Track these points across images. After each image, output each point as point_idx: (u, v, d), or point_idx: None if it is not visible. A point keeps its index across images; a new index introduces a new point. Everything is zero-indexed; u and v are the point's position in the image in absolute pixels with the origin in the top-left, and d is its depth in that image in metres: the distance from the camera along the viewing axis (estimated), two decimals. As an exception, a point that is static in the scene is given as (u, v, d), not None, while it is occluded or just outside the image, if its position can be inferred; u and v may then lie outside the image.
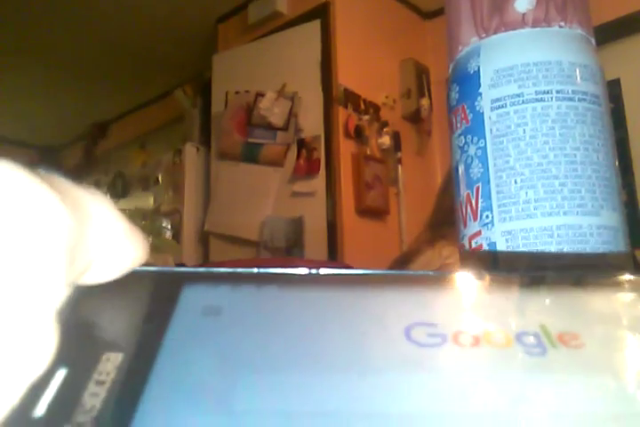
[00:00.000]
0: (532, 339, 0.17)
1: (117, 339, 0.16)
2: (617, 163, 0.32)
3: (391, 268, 1.20)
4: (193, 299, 0.18)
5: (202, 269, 0.19)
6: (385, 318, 0.17)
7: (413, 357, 0.16)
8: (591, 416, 0.15)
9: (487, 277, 0.19)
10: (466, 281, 0.19)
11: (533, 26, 0.33)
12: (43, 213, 0.14)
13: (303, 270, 0.19)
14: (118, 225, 0.17)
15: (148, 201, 3.60)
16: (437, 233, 1.17)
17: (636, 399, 0.15)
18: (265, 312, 0.18)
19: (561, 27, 0.33)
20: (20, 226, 0.14)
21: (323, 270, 0.19)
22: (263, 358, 0.16)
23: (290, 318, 0.17)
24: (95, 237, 0.16)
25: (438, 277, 0.20)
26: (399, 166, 2.82)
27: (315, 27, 2.74)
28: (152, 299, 0.18)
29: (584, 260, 0.29)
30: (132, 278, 0.17)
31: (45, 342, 0.14)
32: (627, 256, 0.30)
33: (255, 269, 0.19)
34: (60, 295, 0.14)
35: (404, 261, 1.19)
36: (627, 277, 0.19)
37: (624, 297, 0.19)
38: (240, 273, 0.19)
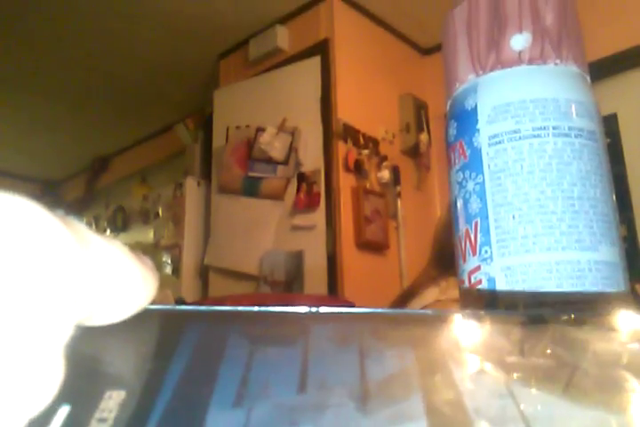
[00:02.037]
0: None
1: (120, 376, 0.16)
2: (614, 198, 0.32)
3: (395, 304, 1.20)
4: (195, 337, 0.18)
5: (204, 308, 0.19)
6: (382, 358, 0.17)
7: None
8: None
9: (485, 318, 0.19)
10: (464, 321, 0.19)
11: (529, 63, 0.34)
12: (57, 252, 0.15)
13: (303, 309, 0.19)
14: (130, 266, 0.17)
15: (148, 235, 3.60)
16: (440, 269, 1.17)
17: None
18: (266, 350, 0.18)
19: (556, 64, 0.34)
20: (34, 262, 0.14)
21: (322, 309, 0.19)
22: (266, 396, 0.16)
23: (291, 357, 0.17)
24: (104, 276, 0.16)
25: (436, 317, 0.20)
26: (398, 200, 2.83)
27: (315, 63, 2.78)
28: (155, 337, 0.18)
29: (583, 297, 0.29)
30: (135, 317, 0.17)
31: (51, 376, 0.14)
32: (626, 293, 0.30)
33: (255, 308, 0.19)
34: (67, 331, 0.14)
35: (407, 297, 1.18)
36: (625, 314, 0.19)
37: (622, 336, 0.19)
38: (241, 312, 0.19)
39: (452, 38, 0.38)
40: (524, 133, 0.32)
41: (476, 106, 0.34)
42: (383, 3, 2.92)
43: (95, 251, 0.16)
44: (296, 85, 2.83)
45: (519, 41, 0.35)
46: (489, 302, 0.31)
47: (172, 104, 3.88)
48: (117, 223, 4.09)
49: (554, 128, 0.32)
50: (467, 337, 0.19)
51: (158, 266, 3.25)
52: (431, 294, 1.11)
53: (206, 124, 3.41)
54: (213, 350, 0.17)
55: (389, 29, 3.11)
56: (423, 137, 2.98)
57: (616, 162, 2.35)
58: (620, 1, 2.57)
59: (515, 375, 0.17)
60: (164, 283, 3.01)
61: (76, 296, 0.15)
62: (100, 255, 0.16)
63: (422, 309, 1.08)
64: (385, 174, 2.78)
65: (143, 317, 0.17)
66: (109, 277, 0.16)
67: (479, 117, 0.33)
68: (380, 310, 0.20)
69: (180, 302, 2.54)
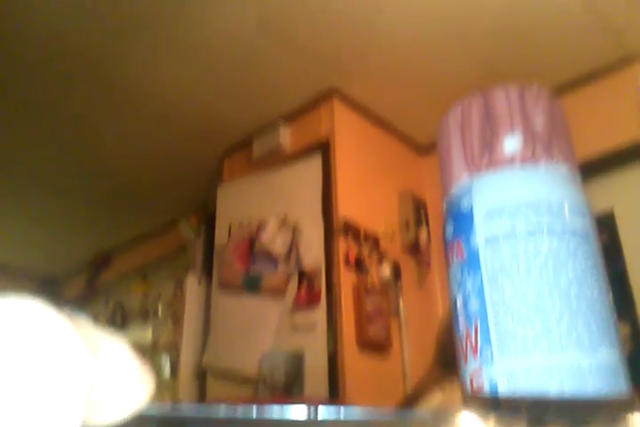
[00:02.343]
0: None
1: None
2: (611, 299, 0.32)
3: (401, 407, 1.17)
4: None
5: (201, 414, 0.19)
6: None
7: None
8: None
9: (486, 419, 0.19)
10: (465, 423, 0.19)
11: (521, 163, 0.35)
12: (69, 361, 0.15)
13: (302, 414, 0.18)
14: (131, 367, 0.18)
15: (146, 333, 3.54)
16: (443, 371, 1.15)
17: None
18: None
19: (547, 164, 0.35)
20: (47, 371, 0.14)
21: (321, 413, 0.18)
22: None
23: None
24: (108, 377, 0.16)
25: (437, 421, 0.19)
26: (400, 298, 2.80)
27: (316, 160, 2.85)
28: None
29: (586, 403, 0.28)
30: (134, 421, 0.17)
31: None
32: (629, 397, 0.29)
33: (254, 411, 0.18)
34: None
35: (411, 401, 1.15)
36: (627, 417, 0.19)
37: None
38: (239, 419, 0.18)
39: (446, 140, 0.39)
40: (519, 234, 0.32)
41: (471, 208, 0.35)
42: (382, 103, 3.03)
43: (103, 355, 0.16)
44: (297, 182, 2.89)
45: (511, 143, 0.36)
46: (492, 407, 0.30)
47: (176, 200, 3.94)
48: (116, 321, 4.04)
49: (548, 228, 0.32)
50: None
51: (156, 369, 3.17)
52: (435, 398, 1.09)
53: (209, 220, 3.45)
54: None
55: (388, 128, 3.21)
56: (422, 234, 3.00)
57: (615, 257, 2.34)
58: (608, 101, 2.67)
59: None
60: (161, 384, 2.93)
61: (83, 403, 0.15)
62: (107, 358, 0.17)
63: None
64: (386, 271, 2.77)
65: (141, 422, 0.17)
66: (110, 376, 0.17)
67: (475, 218, 0.34)
68: (380, 416, 0.19)
69: (178, 404, 2.46)
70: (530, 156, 0.35)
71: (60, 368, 0.15)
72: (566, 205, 0.33)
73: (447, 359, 1.15)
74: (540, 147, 0.36)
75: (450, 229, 0.36)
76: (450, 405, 1.04)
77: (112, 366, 0.17)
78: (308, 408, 0.18)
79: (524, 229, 0.32)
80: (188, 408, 0.19)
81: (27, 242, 4.63)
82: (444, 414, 0.19)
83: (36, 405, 0.14)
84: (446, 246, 0.37)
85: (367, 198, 2.92)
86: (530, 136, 0.36)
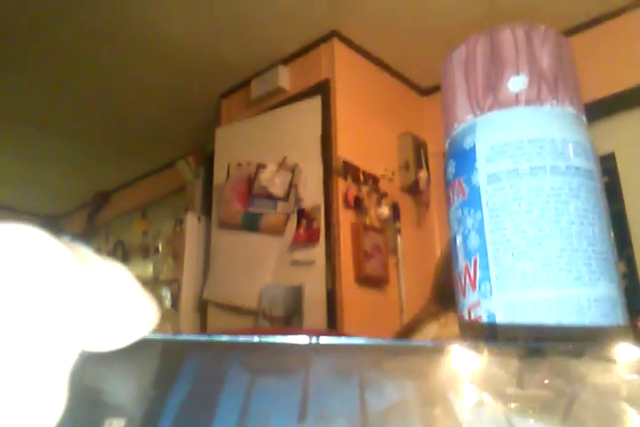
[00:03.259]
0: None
1: (120, 405, 0.16)
2: (612, 236, 0.33)
3: (397, 338, 1.19)
4: (195, 367, 0.18)
5: (204, 338, 0.19)
6: (382, 389, 0.17)
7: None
8: None
9: (484, 349, 0.19)
10: (463, 352, 0.19)
11: (526, 104, 0.35)
12: (63, 276, 0.15)
13: (303, 339, 0.19)
14: (134, 293, 0.18)
15: (147, 270, 3.58)
16: (440, 305, 1.17)
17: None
18: (266, 381, 0.18)
19: (553, 105, 0.35)
20: (41, 287, 0.14)
21: (323, 339, 0.19)
22: (267, 426, 0.16)
23: (291, 387, 0.17)
24: (110, 302, 0.17)
25: (436, 349, 0.20)
26: (398, 236, 2.83)
27: (315, 102, 2.81)
28: (156, 366, 0.18)
29: (583, 332, 0.29)
30: (137, 345, 0.17)
31: (54, 402, 0.14)
32: (626, 328, 0.30)
33: (256, 339, 0.19)
34: (72, 357, 0.15)
35: (407, 332, 1.17)
36: (623, 347, 0.19)
37: (620, 368, 0.19)
38: (241, 343, 0.19)
39: (450, 80, 0.39)
40: (522, 172, 0.32)
41: (474, 145, 0.35)
42: (383, 44, 2.97)
43: (100, 275, 0.16)
44: (297, 124, 2.86)
45: (516, 83, 0.35)
46: (489, 336, 0.31)
47: (175, 141, 3.91)
48: (117, 258, 4.07)
49: (551, 167, 0.32)
50: (466, 368, 0.19)
51: (158, 300, 3.22)
52: (431, 330, 1.11)
53: (208, 162, 3.43)
54: (213, 379, 0.17)
55: (389, 70, 3.16)
56: (422, 174, 3.00)
57: (615, 200, 2.36)
58: (614, 43, 2.62)
59: (513, 406, 0.17)
60: (163, 317, 2.98)
61: (81, 320, 0.15)
62: (105, 280, 0.17)
63: None
64: (384, 211, 2.78)
65: (144, 346, 0.17)
66: (114, 302, 0.17)
67: (478, 157, 0.34)
68: (379, 342, 0.20)
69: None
70: (535, 96, 0.35)
71: (57, 289, 0.15)
72: (570, 144, 0.33)
73: (444, 295, 1.17)
74: (546, 87, 0.36)
75: (451, 168, 0.36)
76: (445, 336, 1.06)
77: (114, 291, 0.17)
78: (310, 337, 0.19)
79: (526, 168, 0.33)
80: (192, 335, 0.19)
81: (27, 182, 4.62)
82: (442, 343, 0.20)
83: (34, 326, 0.14)
84: (447, 186, 0.37)
85: (367, 139, 2.90)
86: (536, 76, 0.36)
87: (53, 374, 0.14)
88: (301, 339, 0.19)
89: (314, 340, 0.19)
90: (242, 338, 0.19)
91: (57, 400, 0.14)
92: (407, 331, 1.17)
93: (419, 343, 0.20)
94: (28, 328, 0.14)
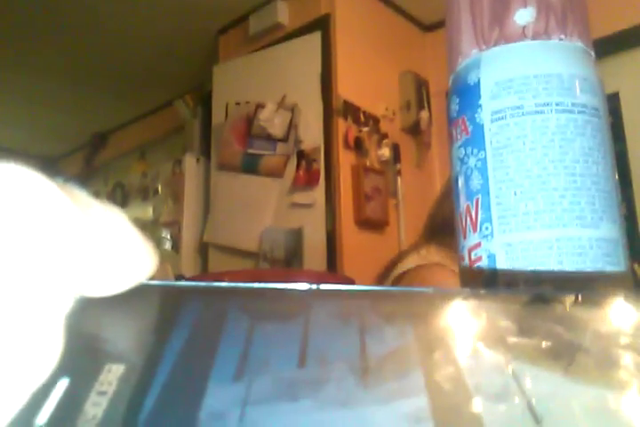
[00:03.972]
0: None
1: (119, 350, 0.16)
2: (616, 176, 0.32)
3: (381, 274, 1.22)
4: (195, 313, 0.18)
5: (203, 284, 0.19)
6: (382, 334, 0.18)
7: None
8: None
9: (486, 296, 0.19)
10: (464, 299, 0.19)
11: (533, 38, 0.34)
12: (57, 218, 0.15)
13: (303, 286, 0.19)
14: (131, 237, 0.17)
15: (147, 212, 3.60)
16: (427, 240, 1.19)
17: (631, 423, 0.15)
18: (266, 326, 0.18)
19: (561, 39, 0.34)
20: (34, 228, 0.14)
21: (323, 286, 0.19)
22: (266, 370, 0.16)
23: (291, 332, 0.17)
24: (105, 246, 0.16)
25: (436, 295, 0.20)
26: (398, 178, 2.82)
27: (315, 38, 2.75)
28: (155, 312, 0.18)
29: (583, 276, 0.29)
30: (135, 291, 0.17)
31: (50, 347, 0.14)
32: (626, 272, 0.30)
33: (255, 285, 0.19)
34: (65, 302, 0.15)
35: (390, 266, 1.20)
36: (626, 294, 0.19)
37: (620, 315, 0.19)
38: (240, 288, 0.19)
39: (455, 13, 0.37)
40: (527, 109, 0.32)
41: (478, 81, 0.34)
42: (385, -22, 2.89)
43: (96, 218, 0.16)
44: (296, 61, 2.81)
45: (523, 16, 0.34)
46: (488, 280, 0.31)
47: (172, 80, 3.85)
48: (117, 200, 4.09)
49: (557, 104, 0.32)
50: (467, 315, 0.19)
51: (158, 242, 3.26)
52: (411, 260, 1.13)
53: (206, 101, 3.39)
54: (213, 324, 0.18)
55: (391, 5, 3.08)
56: (424, 114, 2.97)
57: (617, 140, 2.34)
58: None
59: (515, 353, 0.17)
60: (163, 258, 3.02)
61: (76, 263, 0.15)
62: (102, 223, 0.16)
63: (404, 274, 1.10)
64: (385, 152, 2.77)
65: (142, 292, 0.17)
66: (110, 246, 0.16)
67: (482, 93, 0.33)
68: (380, 288, 0.20)
69: (180, 277, 2.55)
70: (543, 29, 0.34)
71: (50, 231, 0.14)
72: (577, 80, 0.32)
73: (433, 228, 1.19)
74: (554, 21, 0.34)
75: (454, 106, 0.35)
76: (426, 266, 1.08)
77: (110, 235, 0.16)
78: (310, 284, 0.19)
79: (532, 104, 0.32)
80: (190, 281, 0.19)
81: (24, 123, 4.58)
82: (442, 290, 0.20)
83: (25, 268, 0.14)
84: (450, 124, 0.36)
85: (368, 78, 2.85)
86: (544, 9, 0.34)
87: (48, 318, 0.14)
88: (301, 285, 0.19)
89: (314, 286, 0.19)
90: (241, 284, 0.19)
91: (52, 346, 0.14)
92: (391, 265, 1.20)
93: (419, 290, 0.20)
94: (20, 271, 0.14)
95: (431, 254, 1.12)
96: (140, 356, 0.16)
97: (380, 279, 1.19)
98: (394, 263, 1.19)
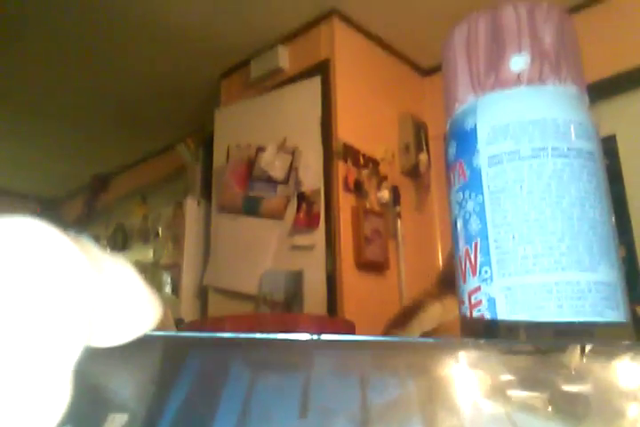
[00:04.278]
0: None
1: (123, 400, 0.16)
2: (614, 219, 0.32)
3: (396, 321, 1.19)
4: (197, 363, 0.18)
5: (205, 335, 0.19)
6: (383, 384, 0.17)
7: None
8: None
9: (487, 347, 0.19)
10: (464, 349, 0.19)
11: (528, 84, 0.34)
12: (72, 275, 0.15)
13: (305, 336, 0.19)
14: (138, 290, 0.17)
15: (147, 254, 3.59)
16: (442, 289, 1.17)
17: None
18: (267, 376, 0.18)
19: (555, 85, 0.34)
20: (49, 284, 0.14)
21: (324, 336, 0.19)
22: (268, 421, 0.16)
23: (292, 382, 0.17)
24: (114, 298, 0.16)
25: (438, 345, 0.19)
26: (398, 220, 2.83)
27: (315, 82, 2.79)
28: (158, 363, 0.18)
29: (583, 327, 0.29)
30: (139, 342, 0.17)
31: (59, 398, 0.14)
32: (626, 322, 0.30)
33: (257, 335, 0.19)
34: (76, 353, 0.15)
35: (409, 313, 1.17)
36: (626, 344, 0.19)
37: (623, 365, 0.19)
38: (242, 339, 0.19)
39: (451, 58, 0.38)
40: (524, 154, 0.32)
41: (475, 126, 0.34)
42: (384, 23, 2.95)
43: (106, 271, 0.16)
44: (296, 105, 2.85)
45: (518, 62, 0.35)
46: (489, 329, 0.31)
47: (173, 123, 3.89)
48: (117, 242, 4.09)
49: (553, 149, 0.32)
50: (468, 367, 0.19)
51: (158, 285, 3.24)
52: (435, 311, 1.11)
53: (207, 144, 3.42)
54: (215, 375, 0.18)
55: (389, 50, 3.13)
56: (423, 157, 2.99)
57: (615, 183, 2.35)
58: (618, 22, 2.60)
59: (517, 405, 0.17)
60: (163, 302, 2.99)
61: (86, 316, 0.15)
62: (111, 276, 0.16)
63: (428, 325, 1.07)
64: (385, 194, 2.78)
65: (146, 343, 0.17)
66: (118, 298, 0.16)
67: (479, 138, 0.34)
68: (381, 338, 0.20)
69: (179, 321, 2.53)
70: (537, 75, 0.35)
71: (63, 285, 0.14)
72: (573, 125, 0.33)
73: (447, 279, 1.17)
74: (548, 66, 0.35)
75: (452, 150, 0.36)
76: (449, 319, 1.06)
77: (117, 287, 0.17)
78: (311, 334, 0.19)
79: (528, 149, 0.32)
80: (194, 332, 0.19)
81: (25, 165, 4.61)
82: (443, 340, 0.20)
83: (40, 323, 0.14)
84: (448, 168, 0.37)
85: (367, 121, 2.88)
86: (538, 55, 0.35)
87: (57, 370, 0.14)
88: (303, 335, 0.19)
89: (315, 336, 0.19)
90: (243, 335, 0.19)
91: (61, 396, 0.14)
92: (409, 312, 1.17)
93: (420, 340, 0.20)
94: (33, 324, 0.14)
95: (453, 307, 1.09)
96: (142, 406, 0.16)
97: (395, 326, 1.16)
98: (413, 311, 1.16)
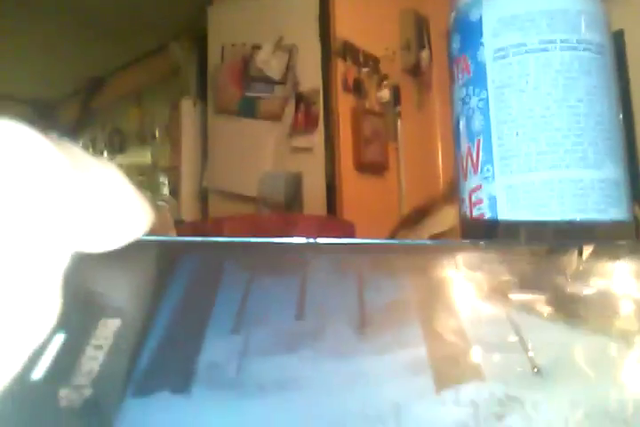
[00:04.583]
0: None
1: (115, 305, 0.16)
2: (621, 116, 0.32)
3: (404, 221, 1.20)
4: (192, 267, 0.18)
5: (199, 239, 0.19)
6: (381, 286, 0.17)
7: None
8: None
9: (487, 248, 0.19)
10: (464, 251, 0.19)
11: (539, -28, 0.32)
12: (51, 175, 0.14)
13: (301, 240, 0.19)
14: (127, 193, 0.17)
15: (145, 157, 3.59)
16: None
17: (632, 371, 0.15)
18: (264, 278, 0.18)
19: (567, -27, 0.32)
20: (27, 186, 0.14)
21: (320, 240, 0.19)
22: (265, 322, 0.16)
23: (289, 284, 0.17)
24: (101, 202, 0.16)
25: (437, 247, 0.20)
26: (398, 121, 2.79)
27: (312, -23, 2.67)
28: (151, 267, 0.18)
29: (584, 226, 0.29)
30: (131, 247, 0.17)
31: (49, 305, 0.14)
32: (627, 222, 0.30)
33: (253, 239, 0.19)
34: (62, 260, 0.14)
35: (418, 215, 1.17)
36: (626, 244, 0.19)
37: (623, 265, 0.19)
38: (238, 243, 0.19)
39: (457, -55, 0.36)
40: (531, 47, 0.31)
41: (480, 18, 0.32)
42: None
43: (91, 175, 0.16)
44: (293, 1, 2.74)
45: (528, -52, 0.33)
46: (489, 230, 0.31)
47: (166, 22, 3.76)
48: (114, 145, 4.07)
49: (562, 41, 0.30)
50: (467, 268, 0.19)
51: (157, 187, 3.26)
52: (446, 214, 1.10)
53: (201, 43, 3.32)
54: (210, 278, 0.18)
55: (391, -61, 2.98)
56: (424, 54, 2.91)
57: (620, 80, 2.30)
58: None
59: (516, 305, 0.17)
60: (163, 204, 3.02)
61: (72, 221, 0.15)
62: (97, 179, 0.16)
63: (438, 228, 1.07)
64: (385, 94, 2.73)
65: (139, 247, 0.17)
66: (106, 202, 0.16)
67: (484, 30, 0.32)
68: (378, 241, 0.20)
69: (179, 222, 2.56)
70: (548, -37, 0.32)
71: (41, 185, 0.14)
72: (583, 16, 0.31)
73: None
74: (560, -48, 0.33)
75: (456, 44, 0.34)
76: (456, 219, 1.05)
77: (105, 191, 0.16)
78: (307, 238, 0.19)
79: (536, 42, 0.30)
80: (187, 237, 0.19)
81: (19, 68, 4.50)
82: (442, 242, 0.20)
83: (19, 227, 0.13)
84: (451, 63, 0.35)
85: (367, 18, 2.78)
86: (550, -60, 0.33)
87: (45, 276, 0.14)
88: (299, 239, 0.19)
89: (312, 240, 0.19)
90: (238, 239, 0.19)
91: (51, 303, 0.14)
92: (419, 215, 1.17)
93: (418, 242, 0.20)
94: (13, 230, 0.13)
95: None
96: (136, 310, 0.16)
97: (404, 227, 1.16)
98: (423, 213, 1.16)
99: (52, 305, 0.14)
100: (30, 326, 0.13)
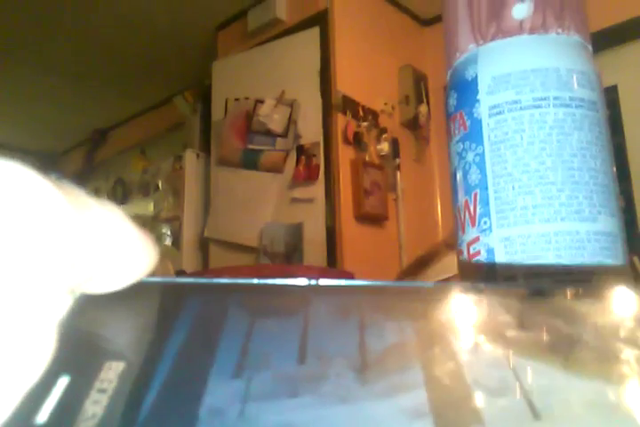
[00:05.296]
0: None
1: (120, 348, 0.16)
2: (614, 169, 0.32)
3: (408, 269, 1.19)
4: (195, 309, 0.18)
5: (203, 280, 0.19)
6: (382, 329, 0.18)
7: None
8: None
9: (485, 291, 0.19)
10: (464, 294, 0.19)
11: (531, 32, 0.34)
12: (51, 216, 0.14)
13: (302, 281, 0.19)
14: (129, 234, 0.17)
15: (148, 207, 3.60)
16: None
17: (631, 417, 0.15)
18: (266, 322, 0.18)
19: (558, 33, 0.34)
20: (26, 227, 0.14)
21: (322, 281, 0.19)
22: (266, 366, 0.16)
23: (291, 328, 0.17)
24: (104, 242, 0.16)
25: (436, 289, 0.20)
26: (398, 173, 2.82)
27: (314, 34, 2.74)
28: (155, 309, 0.18)
29: (581, 270, 0.29)
30: (135, 288, 0.17)
31: (42, 347, 0.14)
32: (624, 265, 0.30)
33: (255, 280, 0.19)
34: (60, 301, 0.14)
35: (422, 263, 1.17)
36: (624, 288, 0.19)
37: (620, 309, 0.19)
38: (240, 284, 0.19)
39: (452, 7, 0.37)
40: (525, 104, 0.32)
41: (476, 76, 0.34)
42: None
43: (93, 216, 0.16)
44: (295, 57, 2.80)
45: (520, 10, 0.34)
46: (488, 275, 0.31)
47: (171, 76, 3.84)
48: (117, 196, 4.09)
49: (554, 98, 0.32)
50: (466, 310, 0.19)
51: (158, 238, 3.26)
52: (450, 261, 1.10)
53: (205, 97, 3.38)
54: (213, 321, 0.17)
55: (390, 0, 3.07)
56: (422, 109, 2.96)
57: (615, 133, 2.33)
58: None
59: (514, 348, 0.17)
60: (164, 254, 3.02)
61: (71, 260, 0.14)
62: (98, 219, 0.16)
63: (442, 275, 1.06)
64: (384, 147, 2.76)
65: (142, 289, 0.17)
66: (108, 244, 0.16)
67: (479, 88, 0.33)
68: (379, 283, 0.20)
69: (181, 273, 2.55)
70: (540, 24, 0.34)
71: (42, 231, 0.14)
72: (575, 74, 0.32)
73: None
74: (552, 14, 0.34)
75: (453, 101, 0.36)
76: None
77: (108, 232, 0.16)
78: (309, 279, 0.19)
79: (529, 99, 0.32)
80: (191, 277, 0.19)
81: (23, 119, 4.57)
82: (442, 284, 0.20)
83: (15, 269, 0.13)
84: (448, 119, 0.36)
85: (367, 73, 2.84)
86: (541, 3, 0.34)
87: (40, 317, 0.14)
88: (301, 281, 0.19)
89: (313, 281, 0.19)
90: (240, 280, 0.19)
91: (45, 344, 0.14)
92: (423, 262, 1.16)
93: (419, 284, 0.20)
94: (11, 269, 0.13)
95: None
96: (140, 353, 0.16)
97: (408, 274, 1.15)
98: (427, 261, 1.16)
99: (46, 346, 0.14)
100: (23, 365, 0.13)
